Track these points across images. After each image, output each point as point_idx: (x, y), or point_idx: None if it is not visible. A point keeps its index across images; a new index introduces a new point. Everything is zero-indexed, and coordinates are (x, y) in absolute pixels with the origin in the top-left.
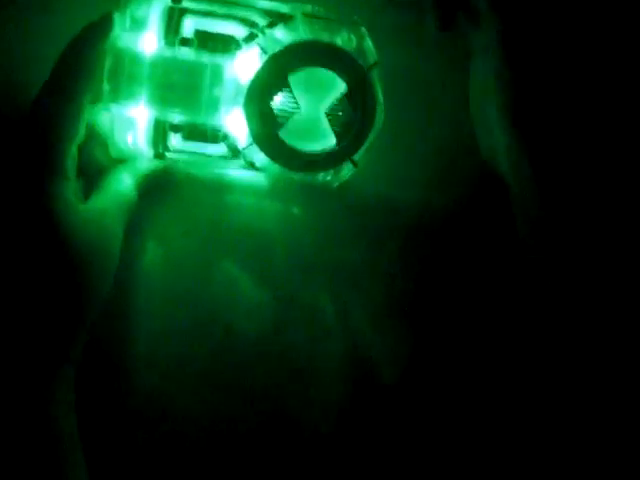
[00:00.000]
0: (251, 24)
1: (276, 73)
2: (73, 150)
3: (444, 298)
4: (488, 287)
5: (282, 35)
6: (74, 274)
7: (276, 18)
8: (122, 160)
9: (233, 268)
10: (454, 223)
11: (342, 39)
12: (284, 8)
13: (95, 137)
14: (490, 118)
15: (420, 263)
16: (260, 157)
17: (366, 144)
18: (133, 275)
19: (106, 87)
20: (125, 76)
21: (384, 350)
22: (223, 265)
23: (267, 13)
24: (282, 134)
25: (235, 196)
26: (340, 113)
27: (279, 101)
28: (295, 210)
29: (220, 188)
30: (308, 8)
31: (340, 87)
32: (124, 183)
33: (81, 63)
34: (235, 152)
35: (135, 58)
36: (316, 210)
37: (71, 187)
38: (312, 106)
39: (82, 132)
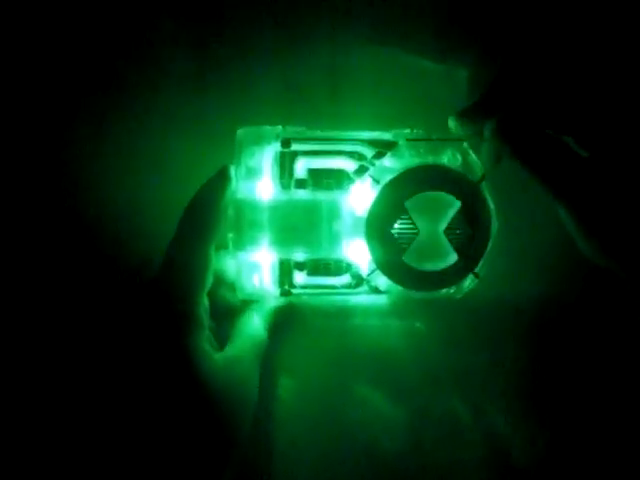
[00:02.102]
0: (359, 156)
1: (392, 202)
2: (204, 299)
3: (571, 385)
4: (611, 372)
5: (390, 162)
6: (216, 422)
7: (382, 147)
8: (250, 300)
9: (365, 389)
10: (570, 314)
11: (447, 157)
12: (387, 136)
13: (223, 281)
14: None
15: (544, 356)
16: (384, 281)
17: (485, 255)
18: (271, 407)
19: (230, 236)
20: (246, 224)
21: (521, 445)
22: (355, 387)
23: (372, 143)
24: (405, 258)
25: (359, 319)
26: (457, 230)
27: (398, 227)
28: (418, 324)
29: (344, 314)
30: (409, 132)
31: (455, 205)
32: (255, 327)
33: (205, 217)
34: (359, 280)
35: (254, 206)
36: (438, 321)
37: (205, 335)
38: (430, 227)
39: (210, 280)
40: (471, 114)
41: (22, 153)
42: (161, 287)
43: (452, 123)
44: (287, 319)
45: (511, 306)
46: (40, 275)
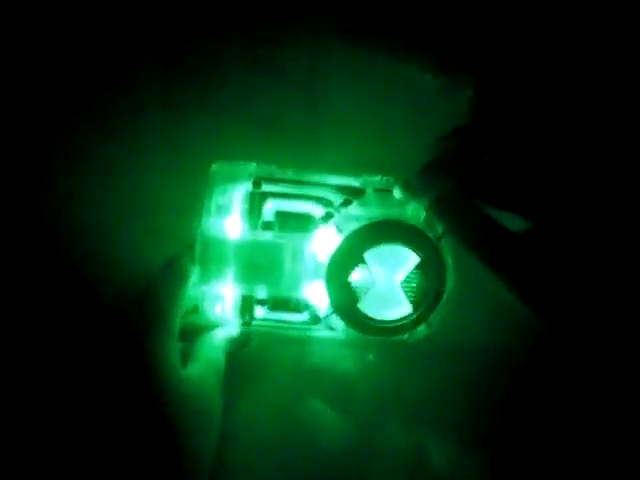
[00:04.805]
0: (326, 202)
1: (353, 252)
2: (178, 315)
3: (517, 427)
4: (554, 414)
5: (356, 210)
6: (181, 435)
7: (350, 194)
8: (211, 326)
9: (317, 406)
10: (514, 362)
11: (411, 210)
12: (356, 183)
13: (188, 307)
14: None
15: (490, 398)
16: (340, 323)
17: (439, 307)
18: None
19: (197, 270)
20: (213, 260)
21: None
22: (308, 404)
23: (340, 189)
24: (361, 305)
25: (315, 347)
26: (414, 283)
27: (357, 275)
28: (371, 357)
29: (301, 342)
30: (378, 181)
31: (413, 260)
32: (215, 351)
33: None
34: (316, 319)
35: (221, 243)
36: (390, 356)
37: (177, 351)
38: (387, 279)
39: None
40: (412, 189)
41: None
42: (149, 301)
43: (397, 193)
44: (245, 346)
45: (459, 351)
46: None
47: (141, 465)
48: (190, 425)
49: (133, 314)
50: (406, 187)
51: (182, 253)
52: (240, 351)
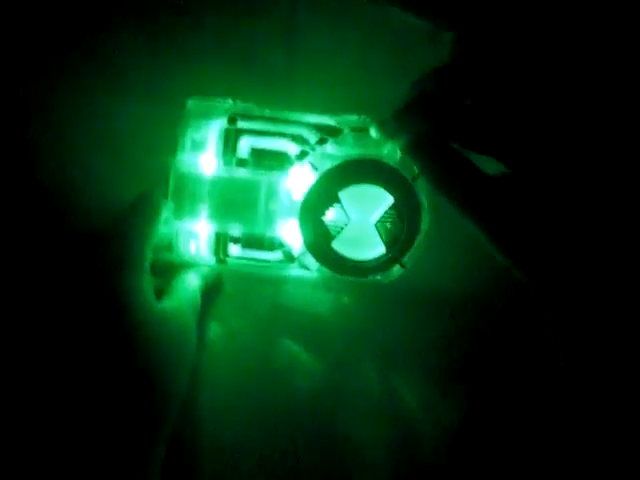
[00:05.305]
0: (302, 140)
1: (327, 190)
2: (149, 251)
3: (488, 374)
4: (526, 365)
5: (332, 149)
6: (153, 370)
7: (325, 134)
8: (186, 263)
9: (290, 346)
10: (488, 306)
11: (388, 150)
12: (332, 121)
13: (161, 244)
14: None
15: (462, 342)
16: (314, 262)
17: (413, 248)
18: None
19: (170, 205)
20: (187, 196)
21: (430, 428)
22: (281, 344)
23: (317, 127)
24: (334, 244)
25: (290, 287)
26: (388, 224)
27: (331, 214)
28: (345, 299)
29: (277, 281)
30: (355, 120)
31: (388, 200)
32: (191, 287)
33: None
34: (290, 258)
35: (196, 179)
36: (365, 298)
37: (150, 283)
38: (362, 218)
39: (157, 237)
40: (387, 129)
41: None
42: (107, 233)
43: (373, 132)
44: (223, 281)
45: (434, 294)
46: None
47: (114, 397)
48: (163, 358)
49: (103, 249)
50: (381, 127)
51: (154, 188)
52: (214, 289)
